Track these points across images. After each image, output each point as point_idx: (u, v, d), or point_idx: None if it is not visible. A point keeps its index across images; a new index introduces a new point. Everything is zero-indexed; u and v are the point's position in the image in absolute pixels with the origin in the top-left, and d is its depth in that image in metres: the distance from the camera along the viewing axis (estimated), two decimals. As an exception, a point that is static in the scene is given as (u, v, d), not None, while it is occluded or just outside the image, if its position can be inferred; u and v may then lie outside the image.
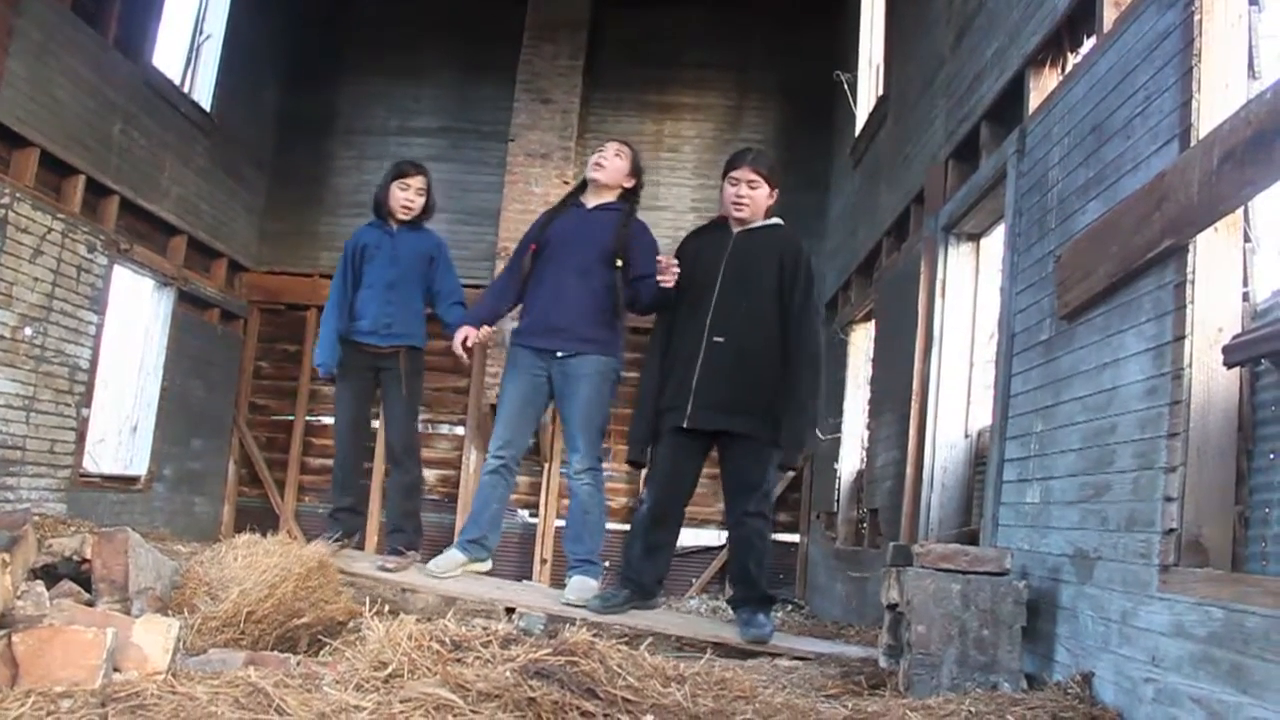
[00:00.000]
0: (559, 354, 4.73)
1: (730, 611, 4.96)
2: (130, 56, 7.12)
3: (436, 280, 5.29)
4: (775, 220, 4.69)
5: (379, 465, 8.71)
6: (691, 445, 4.55)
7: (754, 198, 4.55)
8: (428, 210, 5.35)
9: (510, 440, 4.83)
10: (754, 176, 4.55)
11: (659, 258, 4.55)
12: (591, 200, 4.90)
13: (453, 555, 4.84)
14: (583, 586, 4.65)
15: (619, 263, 4.68)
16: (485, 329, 4.89)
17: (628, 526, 4.93)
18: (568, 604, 4.57)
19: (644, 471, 4.94)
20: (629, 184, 4.93)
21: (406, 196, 5.23)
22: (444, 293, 5.31)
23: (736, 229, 4.61)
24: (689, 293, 4.55)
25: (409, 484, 5.28)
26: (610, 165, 4.88)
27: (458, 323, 5.01)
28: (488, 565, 5.01)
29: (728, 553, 4.74)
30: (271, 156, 9.49)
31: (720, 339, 4.42)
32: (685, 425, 4.43)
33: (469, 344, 4.85)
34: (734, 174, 4.59)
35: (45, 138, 6.21)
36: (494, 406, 5.12)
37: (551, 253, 4.81)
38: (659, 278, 4.47)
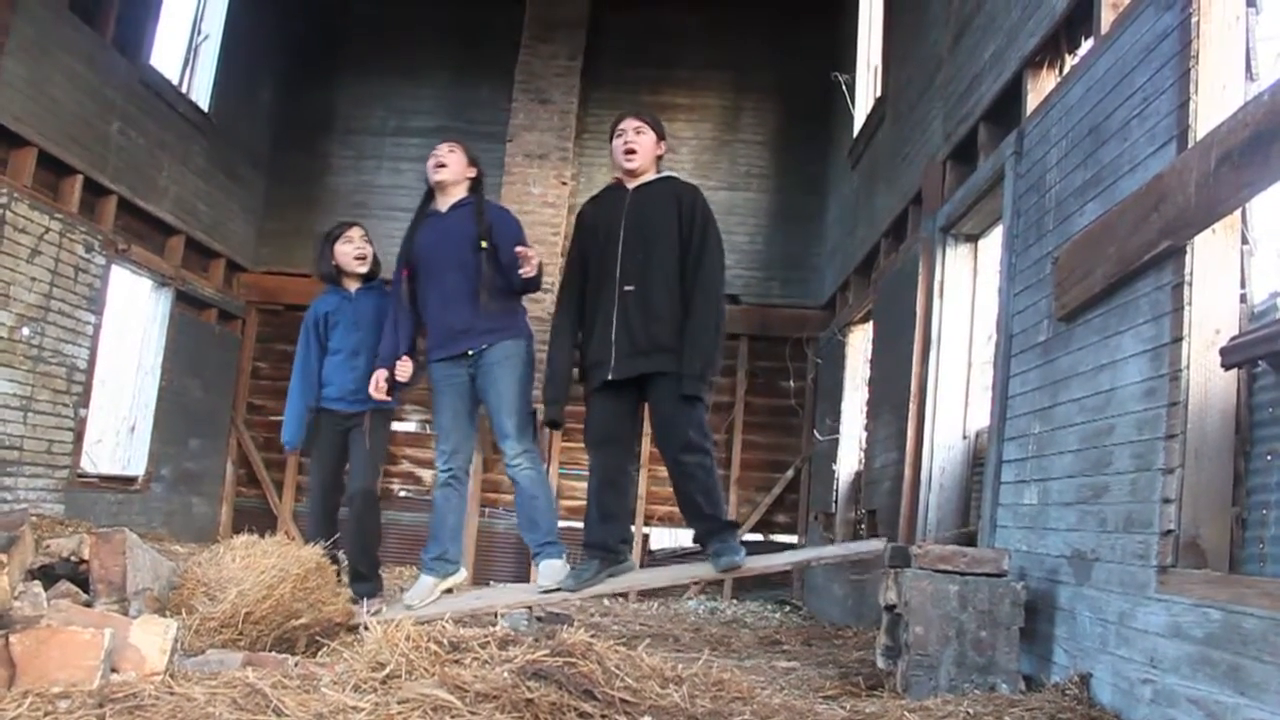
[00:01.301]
0: (469, 352, 4.77)
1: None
2: (128, 56, 7.11)
3: None
4: (668, 172, 4.86)
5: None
6: (621, 399, 4.64)
7: (641, 142, 4.71)
8: (376, 265, 5.37)
9: (454, 450, 4.87)
10: (639, 124, 4.75)
11: (517, 249, 4.64)
12: (444, 203, 4.98)
13: (424, 582, 4.85)
14: (552, 570, 4.68)
15: (483, 244, 4.76)
16: (399, 364, 4.91)
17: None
18: (544, 591, 4.58)
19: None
20: (471, 174, 5.04)
21: (354, 248, 5.24)
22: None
23: (632, 185, 4.74)
24: (595, 253, 4.69)
25: (363, 538, 5.17)
26: (450, 161, 4.97)
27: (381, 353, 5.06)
28: (461, 574, 5.03)
29: (675, 494, 4.74)
30: (269, 156, 9.49)
31: (630, 287, 4.54)
32: (611, 378, 4.52)
33: (383, 387, 4.89)
34: (619, 127, 4.78)
35: (43, 137, 6.21)
36: (434, 429, 5.13)
37: (426, 265, 4.89)
38: (520, 271, 4.62)
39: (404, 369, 4.91)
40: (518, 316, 4.92)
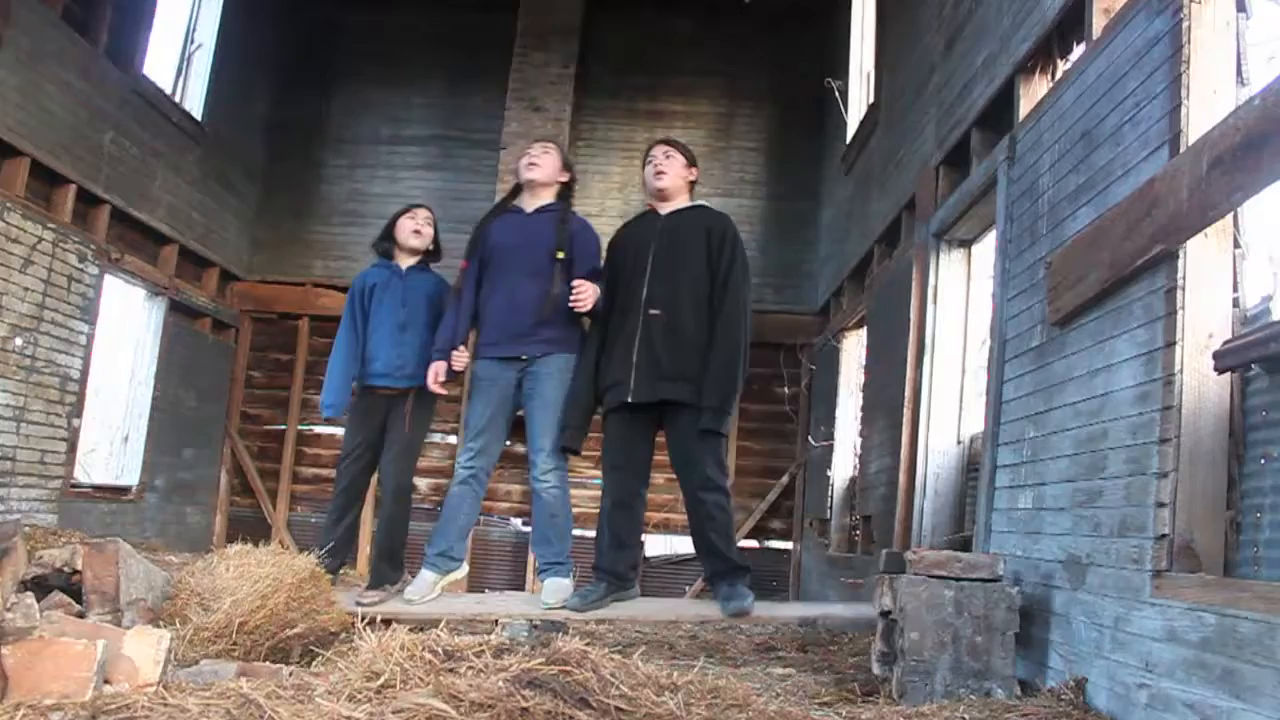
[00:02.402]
0: (524, 358, 4.74)
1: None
2: (121, 66, 7.10)
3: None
4: (701, 202, 4.88)
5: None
6: (638, 423, 4.63)
7: (670, 165, 4.74)
8: (437, 248, 5.34)
9: (481, 451, 4.83)
10: (668, 148, 4.80)
11: (574, 283, 4.60)
12: (531, 203, 4.93)
13: (425, 577, 4.82)
14: (557, 588, 4.66)
15: (560, 255, 4.72)
16: (456, 354, 4.88)
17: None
18: (548, 607, 4.57)
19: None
20: (564, 178, 5.01)
21: (415, 224, 5.23)
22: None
23: (664, 211, 4.75)
24: (623, 277, 4.69)
25: (394, 521, 5.19)
26: (543, 162, 4.93)
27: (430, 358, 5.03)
28: (463, 570, 5.01)
29: (690, 530, 4.73)
30: (263, 165, 9.48)
31: (656, 312, 4.54)
32: (630, 399, 4.51)
33: (441, 378, 4.86)
34: (649, 154, 4.84)
35: (36, 147, 6.20)
36: (466, 421, 5.10)
37: (498, 262, 4.84)
38: (571, 301, 4.58)
39: (460, 359, 4.87)
40: (575, 330, 4.84)
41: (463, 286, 4.94)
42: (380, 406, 5.13)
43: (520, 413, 4.92)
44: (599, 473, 5.65)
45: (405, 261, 5.25)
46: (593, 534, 4.91)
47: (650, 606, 4.81)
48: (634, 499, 4.72)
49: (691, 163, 4.83)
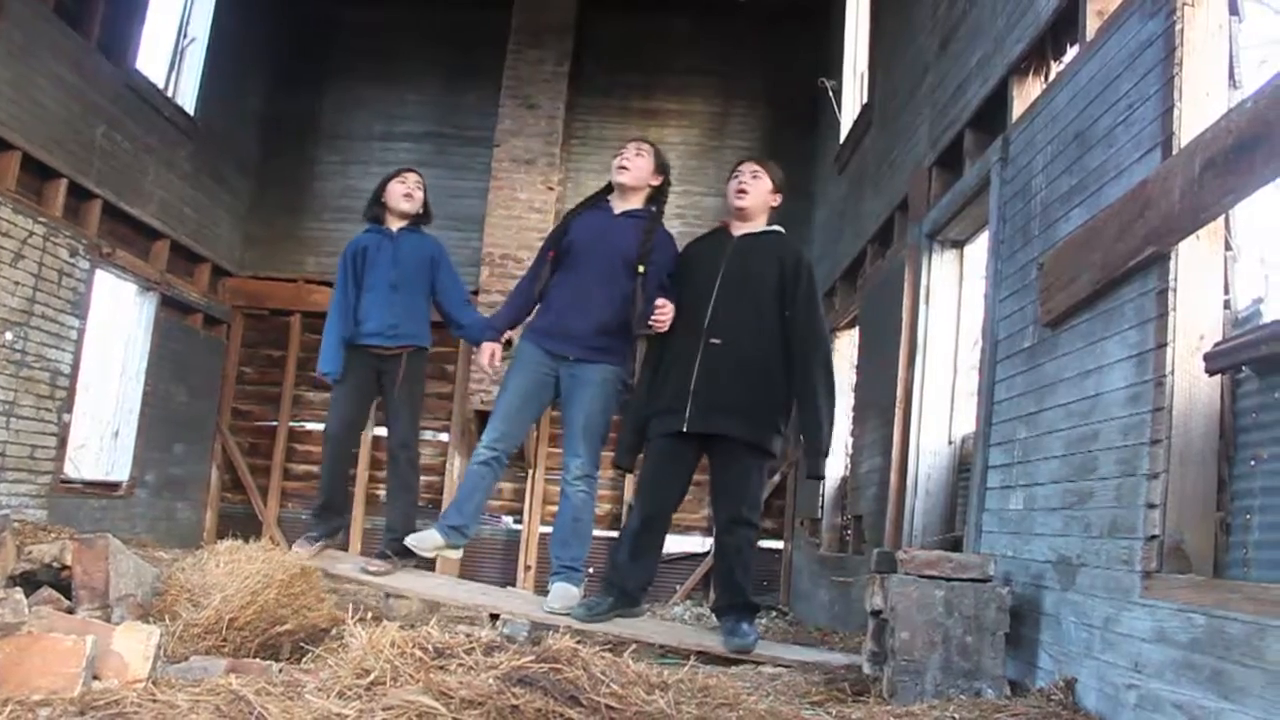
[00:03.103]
0: (571, 358, 4.69)
1: (714, 619, 4.95)
2: (113, 60, 7.08)
3: (441, 282, 5.27)
4: (777, 227, 4.71)
5: (361, 472, 8.72)
6: (684, 451, 4.53)
7: (755, 187, 4.59)
8: (427, 212, 5.35)
9: (506, 433, 4.77)
10: (757, 168, 4.65)
11: (655, 303, 4.50)
12: (619, 205, 4.80)
13: (432, 535, 4.75)
14: (565, 594, 4.62)
15: (640, 269, 4.61)
16: (495, 348, 4.86)
17: (614, 534, 4.91)
18: (551, 612, 4.54)
19: (632, 476, 4.93)
20: (655, 181, 4.85)
21: (405, 188, 5.25)
22: (452, 295, 5.29)
23: (738, 233, 4.62)
24: (687, 297, 4.54)
25: (404, 493, 5.24)
26: (634, 165, 4.78)
27: (477, 327, 5.01)
28: (459, 553, 5.02)
29: (714, 558, 4.72)
30: (256, 161, 9.46)
31: (718, 341, 4.40)
32: (685, 430, 4.39)
33: (496, 360, 4.82)
34: (737, 169, 4.68)
35: (27, 141, 6.18)
36: (479, 413, 5.09)
37: (576, 256, 4.72)
38: (652, 321, 4.48)
39: (497, 356, 4.86)
40: (628, 345, 4.77)
41: (531, 274, 4.90)
42: (371, 364, 5.16)
43: (554, 411, 4.90)
44: (611, 474, 5.65)
45: (396, 224, 5.26)
46: (612, 534, 4.88)
47: (652, 627, 4.77)
48: (663, 520, 4.67)
49: (779, 188, 4.67)
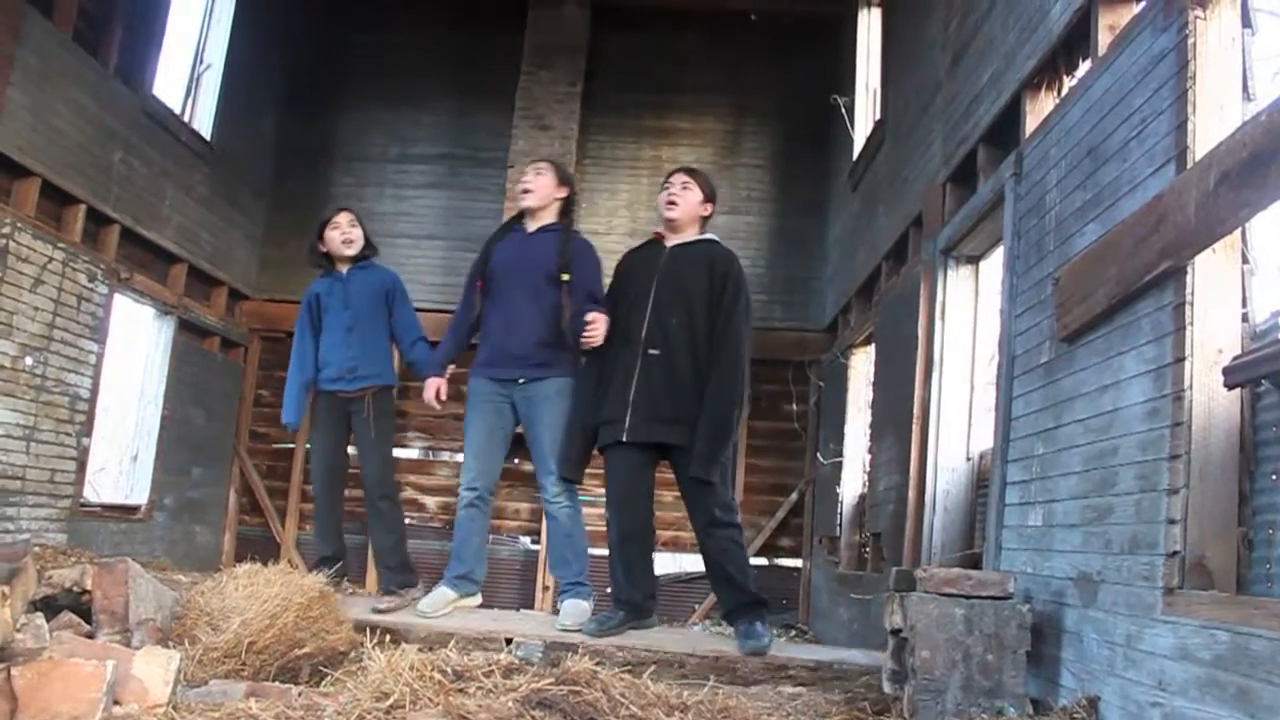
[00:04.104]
0: (520, 380, 4.73)
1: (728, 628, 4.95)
2: (131, 86, 7.15)
3: (395, 315, 5.30)
4: (709, 235, 4.77)
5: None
6: (637, 458, 4.58)
7: (685, 198, 4.65)
8: (369, 244, 5.37)
9: (481, 472, 4.84)
10: (687, 179, 4.70)
11: (588, 317, 4.57)
12: (532, 225, 4.92)
13: (442, 592, 4.83)
14: (576, 610, 4.64)
15: (565, 277, 4.71)
16: (451, 369, 4.91)
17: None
18: (564, 629, 4.55)
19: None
20: (561, 194, 4.95)
21: (340, 233, 5.26)
22: (404, 330, 5.34)
23: (670, 244, 4.69)
24: (623, 308, 4.63)
25: (390, 528, 5.23)
26: (535, 185, 4.90)
27: (424, 364, 5.05)
28: (478, 599, 5.00)
29: (706, 569, 4.71)
30: (271, 184, 9.52)
31: (655, 351, 4.47)
32: (625, 439, 4.47)
33: (442, 396, 4.87)
34: (667, 180, 4.74)
35: (46, 167, 6.23)
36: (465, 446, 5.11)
37: (500, 281, 4.84)
38: (584, 337, 4.55)
39: (442, 391, 4.88)
40: (570, 353, 4.82)
41: (462, 306, 4.97)
42: (339, 408, 5.17)
43: (519, 430, 4.93)
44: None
45: (344, 267, 5.29)
46: (607, 552, 4.90)
47: (665, 637, 4.77)
48: (641, 530, 4.69)
49: (709, 198, 4.73)
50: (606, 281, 4.92)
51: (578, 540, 4.83)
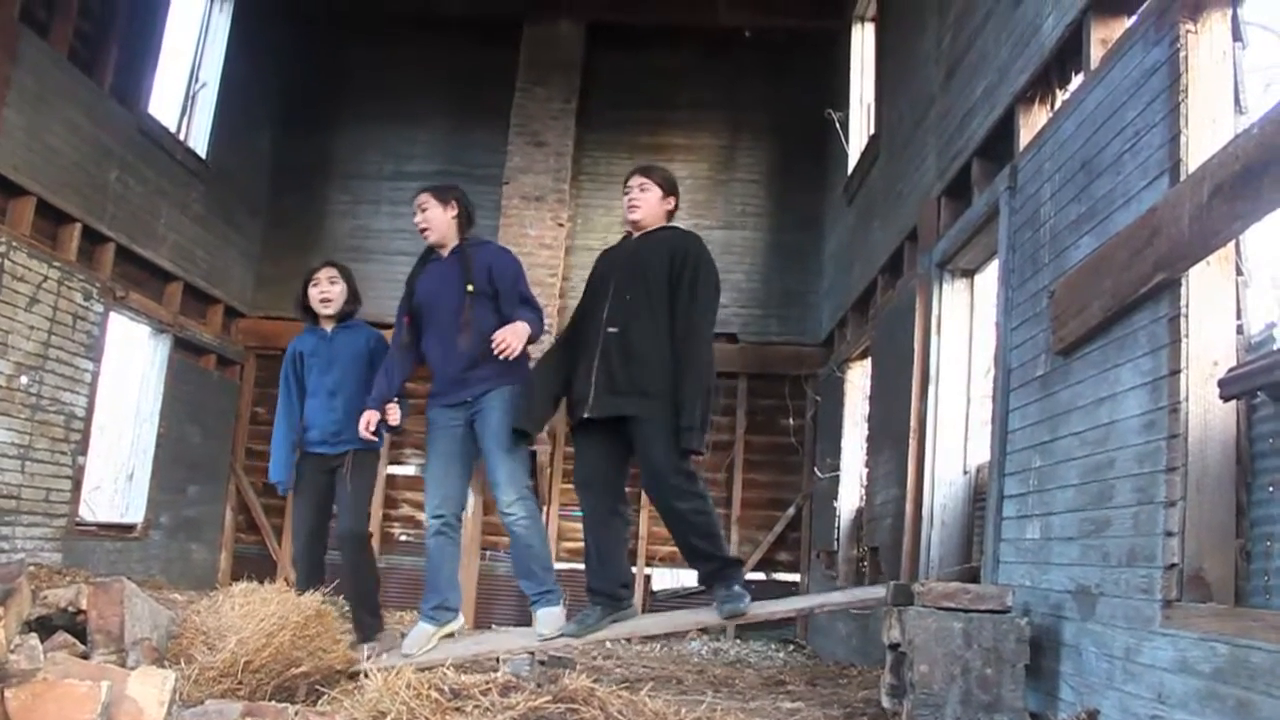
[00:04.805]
0: (467, 400, 4.75)
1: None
2: (126, 105, 7.16)
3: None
4: (673, 224, 4.86)
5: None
6: (604, 440, 4.60)
7: (644, 199, 4.74)
8: (353, 299, 5.34)
9: (445, 498, 4.81)
10: (644, 180, 4.77)
11: (494, 336, 4.61)
12: (444, 252, 5.00)
13: (422, 629, 4.79)
14: (551, 618, 4.63)
15: (469, 288, 4.76)
16: (389, 408, 4.91)
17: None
18: (544, 638, 4.54)
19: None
20: (454, 214, 5.00)
21: (319, 291, 5.22)
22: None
23: (636, 235, 4.78)
24: (592, 298, 4.75)
25: (360, 578, 5.15)
26: (428, 220, 4.97)
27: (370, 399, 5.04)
28: (459, 622, 4.97)
29: (675, 542, 4.70)
30: (267, 202, 9.53)
31: (614, 329, 4.54)
32: (587, 415, 4.51)
33: (372, 427, 4.87)
34: (627, 183, 4.82)
35: (42, 186, 6.24)
36: (424, 475, 5.10)
37: (426, 312, 4.88)
38: (497, 352, 4.59)
39: (393, 414, 4.90)
40: (518, 363, 4.79)
41: (394, 342, 4.99)
42: (323, 468, 5.14)
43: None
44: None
45: (329, 325, 5.26)
46: (584, 566, 4.89)
47: (646, 621, 4.80)
48: (611, 515, 4.68)
49: (669, 192, 4.81)
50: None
51: (538, 550, 4.81)
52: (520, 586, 4.93)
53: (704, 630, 8.45)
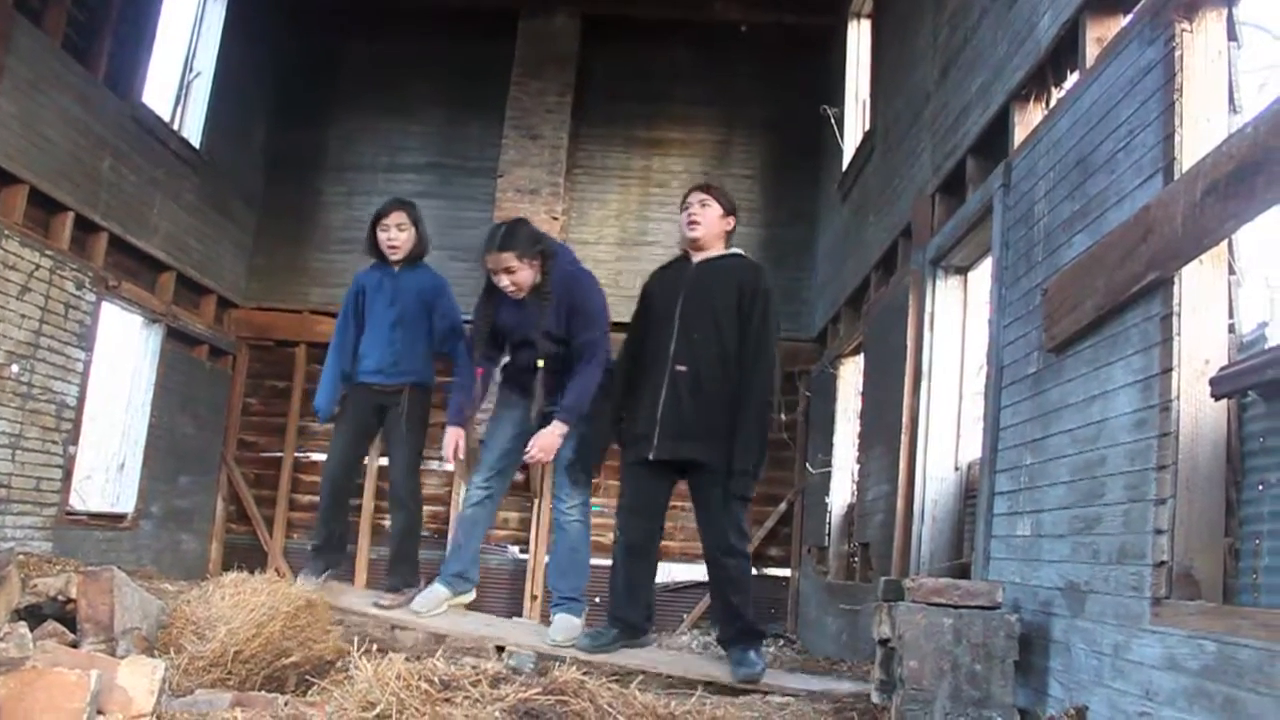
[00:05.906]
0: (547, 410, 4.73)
1: (721, 650, 4.91)
2: (120, 93, 7.13)
3: (436, 321, 5.24)
4: (736, 250, 4.73)
5: (366, 502, 8.71)
6: (658, 476, 4.55)
7: (705, 216, 4.60)
8: (421, 244, 5.28)
9: (500, 472, 4.86)
10: (705, 196, 4.65)
11: (527, 449, 4.66)
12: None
13: (437, 591, 4.81)
14: (568, 625, 4.62)
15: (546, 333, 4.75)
16: (459, 434, 4.93)
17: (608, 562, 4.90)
18: (555, 645, 4.53)
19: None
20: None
21: (387, 237, 5.18)
22: (443, 332, 5.26)
23: (696, 259, 4.64)
24: (653, 326, 4.58)
25: (408, 526, 5.21)
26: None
27: (457, 366, 5.03)
28: (472, 595, 5.01)
29: (709, 591, 4.67)
30: (261, 193, 9.50)
31: (683, 368, 4.42)
32: (652, 458, 4.42)
33: (460, 454, 4.86)
34: (686, 200, 4.70)
35: (34, 174, 6.21)
36: (483, 443, 5.08)
37: (508, 334, 4.85)
38: (529, 459, 4.75)
39: (462, 446, 4.91)
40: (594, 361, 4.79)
41: (480, 356, 4.94)
42: (372, 402, 5.11)
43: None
44: (599, 500, 5.65)
45: (397, 266, 5.25)
46: (608, 563, 4.87)
47: (659, 657, 4.74)
48: (649, 544, 4.66)
49: (729, 211, 4.67)
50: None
51: (582, 555, 4.80)
52: (548, 582, 4.94)
53: (695, 625, 8.48)
